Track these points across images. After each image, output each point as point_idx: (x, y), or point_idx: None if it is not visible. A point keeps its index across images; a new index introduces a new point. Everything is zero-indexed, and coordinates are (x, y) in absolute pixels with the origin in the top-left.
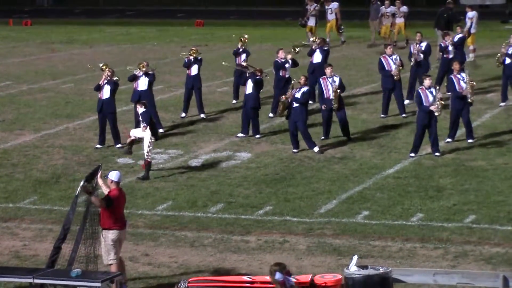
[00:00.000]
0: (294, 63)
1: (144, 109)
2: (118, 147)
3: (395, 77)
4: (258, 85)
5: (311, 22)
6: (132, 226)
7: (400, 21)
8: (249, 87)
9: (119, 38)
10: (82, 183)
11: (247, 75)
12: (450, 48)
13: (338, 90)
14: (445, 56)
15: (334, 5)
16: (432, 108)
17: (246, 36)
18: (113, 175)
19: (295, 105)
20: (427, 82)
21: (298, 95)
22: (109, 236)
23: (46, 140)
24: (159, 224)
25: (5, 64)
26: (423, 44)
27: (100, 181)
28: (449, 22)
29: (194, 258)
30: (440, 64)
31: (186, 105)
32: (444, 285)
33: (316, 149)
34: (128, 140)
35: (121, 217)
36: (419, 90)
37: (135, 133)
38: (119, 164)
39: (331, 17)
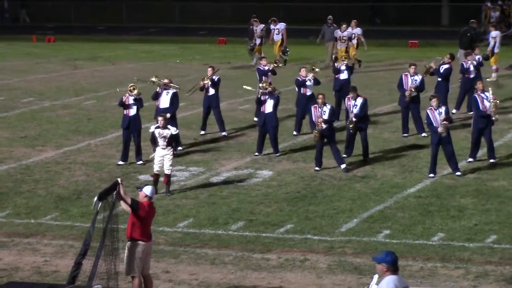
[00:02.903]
0: (317, 82)
1: (175, 131)
2: (140, 164)
3: (406, 98)
4: (277, 104)
5: (257, 42)
6: (153, 243)
7: (353, 42)
8: (269, 107)
9: (141, 55)
10: (95, 199)
11: (266, 95)
12: (472, 68)
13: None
14: (466, 75)
15: (282, 25)
16: (439, 130)
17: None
18: (148, 190)
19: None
20: (434, 102)
21: (325, 116)
22: (135, 247)
23: (68, 156)
24: (180, 241)
25: (28, 81)
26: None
27: (122, 197)
28: (472, 41)
29: (214, 276)
30: (461, 84)
31: (204, 123)
32: None
33: (343, 166)
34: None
35: (148, 230)
36: (428, 111)
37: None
38: (141, 181)
39: (277, 37)
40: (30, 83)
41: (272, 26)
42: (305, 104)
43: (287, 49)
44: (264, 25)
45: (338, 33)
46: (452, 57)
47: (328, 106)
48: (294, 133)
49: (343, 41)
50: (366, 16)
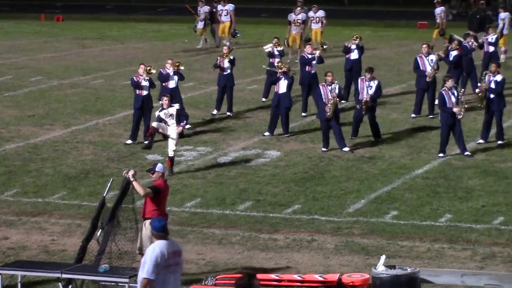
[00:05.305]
0: (320, 60)
1: (178, 106)
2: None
3: (428, 79)
4: (291, 84)
5: (200, 25)
6: None
7: (316, 27)
8: (283, 87)
9: (150, 35)
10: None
11: (279, 75)
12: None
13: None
14: (468, 56)
15: (230, 7)
16: (455, 110)
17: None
18: (159, 167)
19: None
20: (449, 83)
21: (336, 92)
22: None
23: (76, 135)
24: (187, 221)
25: (36, 59)
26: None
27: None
28: (481, 23)
29: (221, 256)
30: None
31: (219, 103)
32: (472, 286)
33: (346, 149)
34: (150, 132)
35: (163, 209)
36: (442, 92)
37: (160, 126)
38: (149, 161)
39: (225, 19)
40: (38, 62)
41: (220, 7)
42: (308, 82)
43: (237, 31)
44: (208, 7)
45: (292, 16)
46: (460, 43)
47: (337, 85)
48: (303, 114)
49: (297, 24)
50: None
